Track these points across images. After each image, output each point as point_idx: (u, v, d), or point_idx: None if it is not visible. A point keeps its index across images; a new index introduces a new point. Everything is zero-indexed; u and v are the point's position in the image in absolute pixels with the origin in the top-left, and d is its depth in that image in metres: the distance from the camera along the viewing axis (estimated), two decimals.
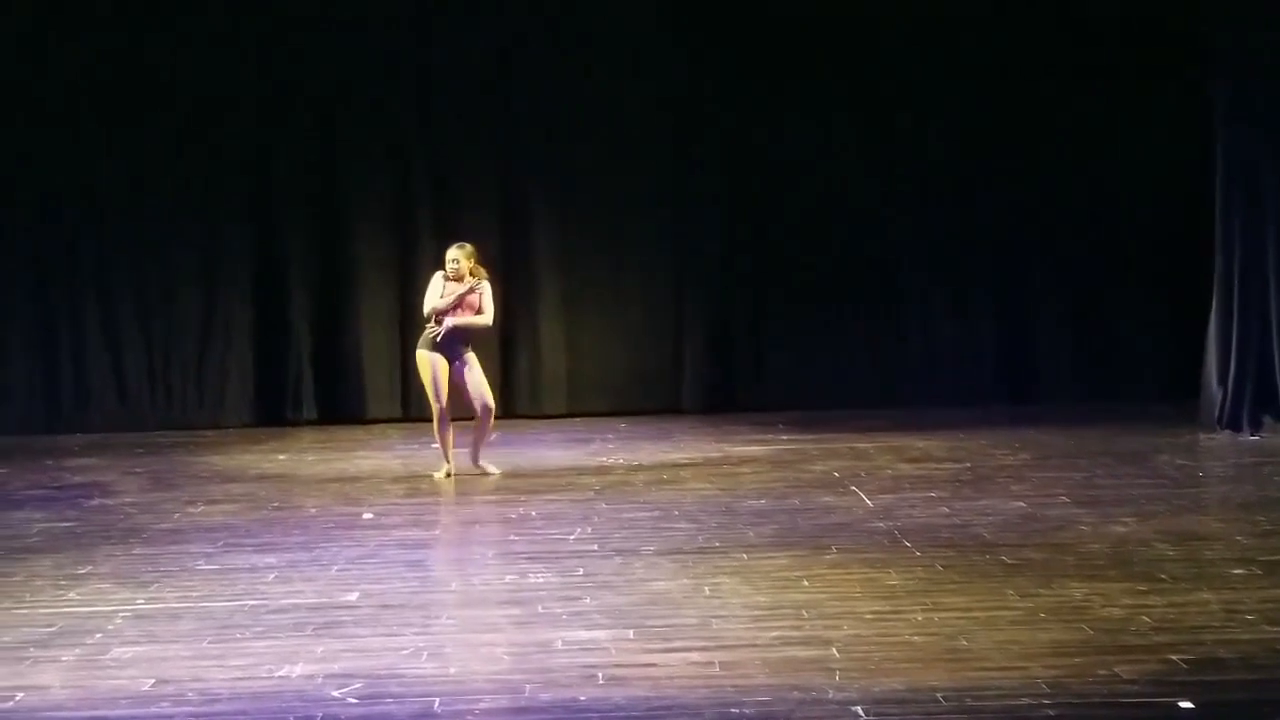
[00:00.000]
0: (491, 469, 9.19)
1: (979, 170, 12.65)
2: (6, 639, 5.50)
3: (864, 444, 10.27)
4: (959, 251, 12.70)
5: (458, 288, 9.00)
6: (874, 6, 12.52)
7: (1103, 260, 12.67)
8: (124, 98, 12.32)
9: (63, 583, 6.42)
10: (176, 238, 12.49)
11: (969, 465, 9.21)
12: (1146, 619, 5.38)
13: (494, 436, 9.54)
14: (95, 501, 8.70)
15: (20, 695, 4.81)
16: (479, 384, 9.05)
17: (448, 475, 9.02)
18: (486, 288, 9.08)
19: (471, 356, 9.08)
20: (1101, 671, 4.75)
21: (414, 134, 12.68)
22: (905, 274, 12.75)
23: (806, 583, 6.07)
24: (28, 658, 5.24)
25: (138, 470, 10.01)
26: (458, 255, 9.07)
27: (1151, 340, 12.59)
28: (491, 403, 9.10)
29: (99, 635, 5.51)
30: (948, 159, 12.64)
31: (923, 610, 5.55)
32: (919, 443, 10.24)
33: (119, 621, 5.72)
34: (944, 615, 5.48)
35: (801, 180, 12.61)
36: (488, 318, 9.11)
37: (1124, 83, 12.48)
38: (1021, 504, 7.78)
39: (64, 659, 5.22)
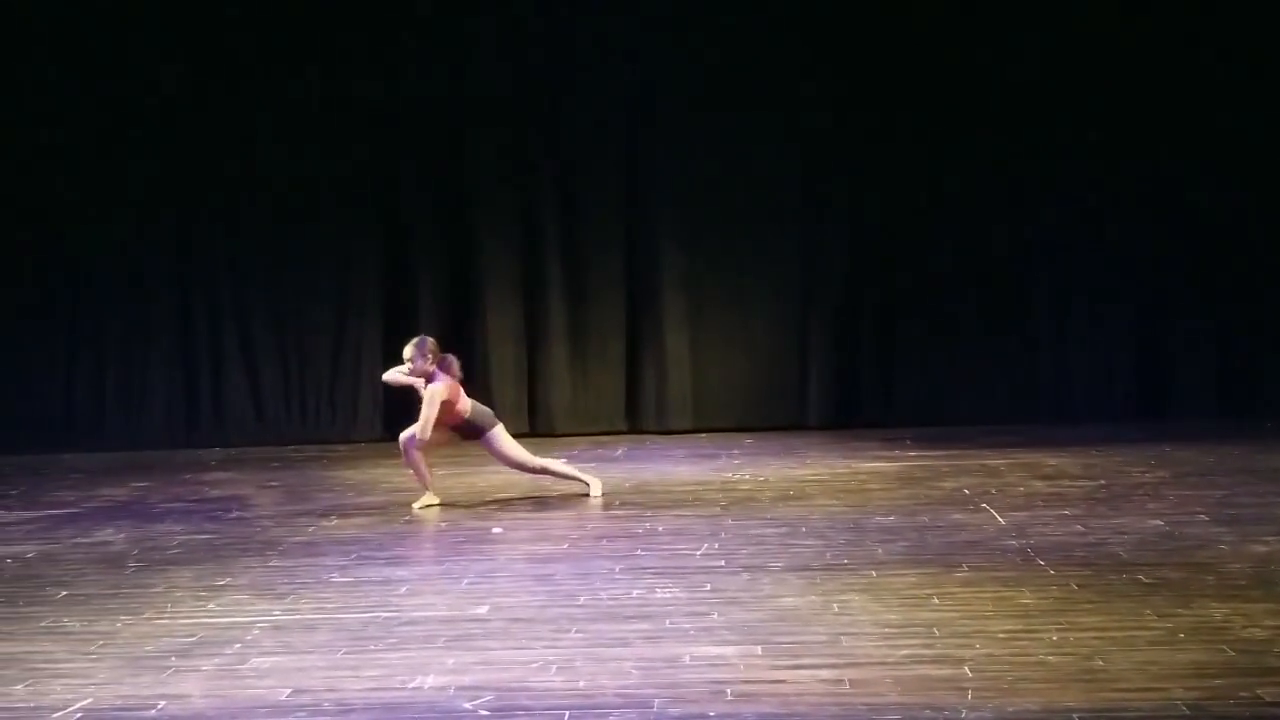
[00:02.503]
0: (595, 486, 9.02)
1: (1114, 185, 12.45)
2: (149, 648, 5.64)
3: (995, 460, 10.13)
4: (1093, 265, 12.50)
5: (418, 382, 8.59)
6: (1004, 31, 12.38)
7: (1242, 274, 12.38)
8: (260, 125, 12.62)
9: (202, 594, 6.58)
10: (310, 260, 12.78)
11: (1103, 483, 9.03)
12: None
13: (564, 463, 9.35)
14: (233, 514, 8.91)
15: (163, 704, 4.92)
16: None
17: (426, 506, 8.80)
18: (430, 394, 8.47)
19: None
20: (1244, 694, 4.63)
21: (542, 153, 12.81)
22: (1039, 287, 12.58)
23: (937, 600, 5.99)
24: (169, 667, 5.37)
25: (273, 484, 10.22)
26: (412, 354, 8.53)
27: None
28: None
29: (238, 645, 5.63)
30: (1081, 174, 12.46)
31: (1058, 630, 5.45)
32: (1051, 459, 10.07)
33: (257, 632, 5.83)
34: (1080, 635, 5.37)
35: (931, 193, 12.52)
36: (416, 427, 8.51)
37: (1266, 98, 12.20)
38: (1159, 522, 7.61)
39: (204, 668, 5.33)
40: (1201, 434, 11.02)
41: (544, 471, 9.01)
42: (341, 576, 6.87)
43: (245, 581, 6.82)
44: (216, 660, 5.43)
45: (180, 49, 12.63)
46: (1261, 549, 6.83)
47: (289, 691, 5.00)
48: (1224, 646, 5.17)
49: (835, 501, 8.66)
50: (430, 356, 8.53)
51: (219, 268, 12.79)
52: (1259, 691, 4.64)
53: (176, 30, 12.64)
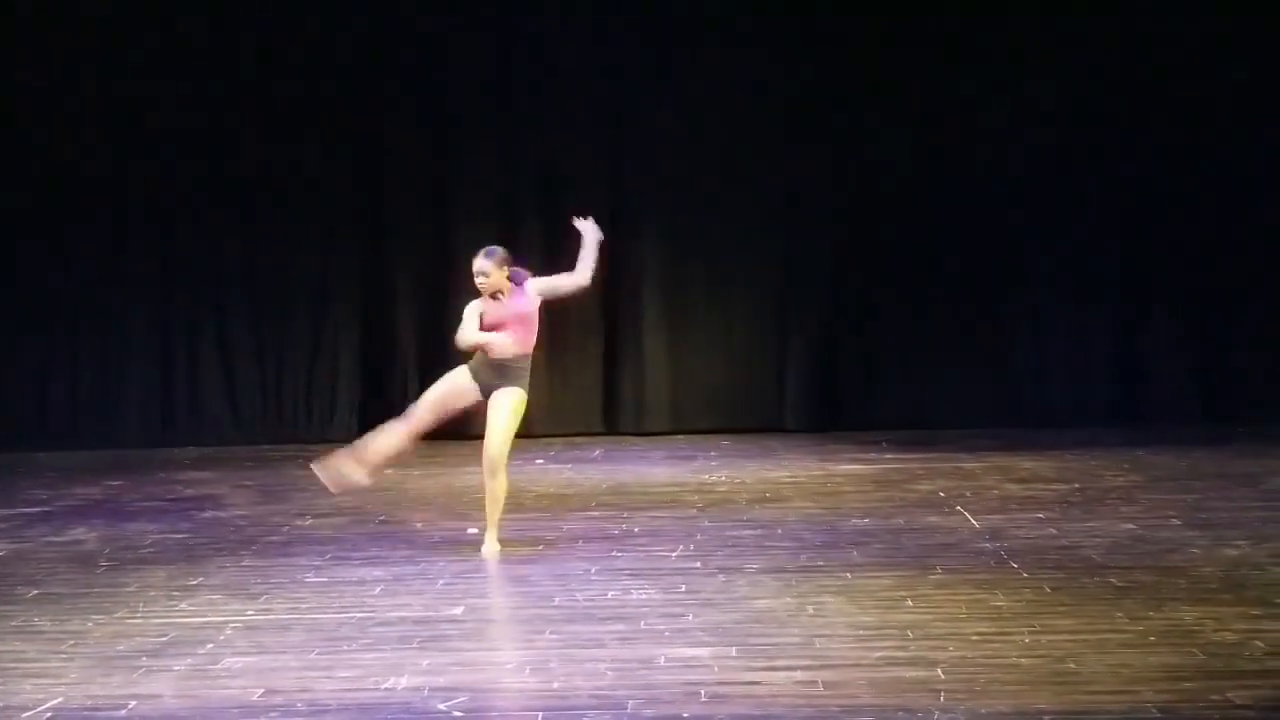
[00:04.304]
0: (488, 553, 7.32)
1: (1092, 185, 12.49)
2: (120, 648, 5.62)
3: (970, 464, 10.16)
4: (1070, 269, 12.54)
5: (502, 306, 7.32)
6: (984, 35, 12.43)
7: (1219, 278, 12.43)
8: (238, 124, 12.58)
9: (175, 593, 6.55)
10: (286, 259, 12.73)
11: (1078, 486, 9.07)
12: (1260, 644, 5.25)
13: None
14: (207, 514, 8.88)
15: (133, 704, 4.90)
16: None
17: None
18: (535, 282, 7.41)
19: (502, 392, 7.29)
20: (1214, 697, 4.65)
21: (522, 154, 12.80)
22: (1015, 291, 12.62)
23: (911, 603, 6.01)
24: (140, 667, 5.35)
25: (248, 483, 10.19)
26: (486, 266, 7.27)
27: (1268, 360, 12.33)
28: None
29: (210, 645, 5.61)
30: (1061, 175, 12.50)
31: (1030, 632, 5.48)
32: (1026, 463, 10.11)
33: (229, 632, 5.81)
34: (1052, 637, 5.40)
35: (910, 197, 12.54)
36: (579, 276, 7.39)
37: (1247, 101, 12.28)
38: (1132, 526, 7.64)
39: (176, 668, 5.31)
40: (1175, 439, 11.07)
41: (492, 473, 7.32)
42: (316, 576, 6.85)
43: (218, 581, 6.80)
44: (189, 660, 5.41)
45: (162, 47, 12.57)
46: (1233, 553, 6.87)
47: (261, 692, 4.99)
48: (1195, 650, 5.20)
49: (811, 504, 8.68)
50: (506, 268, 7.35)
51: (195, 266, 12.74)
52: (1229, 694, 4.67)
53: (158, 29, 12.58)
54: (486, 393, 7.31)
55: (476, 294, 7.42)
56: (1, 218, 12.66)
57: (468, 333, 7.31)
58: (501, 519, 7.40)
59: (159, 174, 12.64)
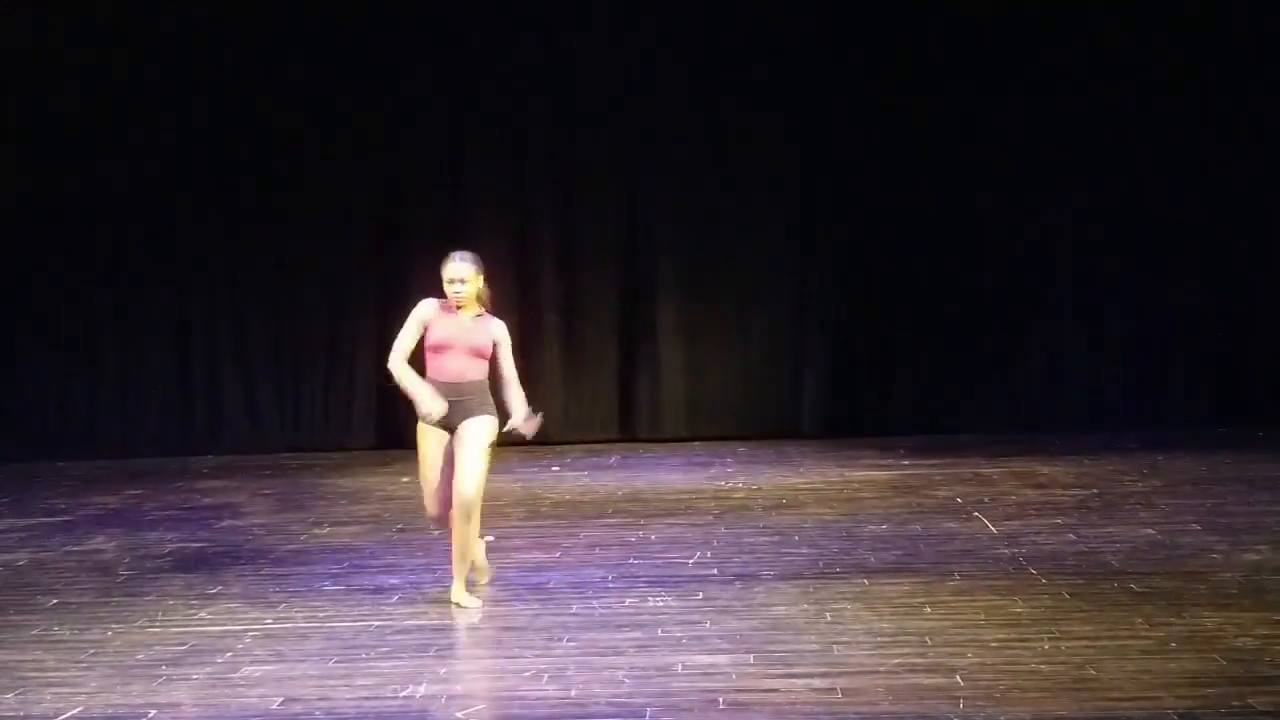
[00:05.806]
0: (468, 602, 6.29)
1: (1107, 191, 12.46)
2: (140, 657, 5.64)
3: (988, 469, 10.13)
4: (1086, 273, 12.51)
5: (459, 324, 6.27)
6: (992, 42, 12.42)
7: (1236, 283, 12.38)
8: (255, 131, 12.60)
9: (194, 602, 6.57)
10: (304, 266, 12.74)
11: (1096, 491, 9.04)
12: None
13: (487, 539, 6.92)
14: (225, 522, 8.89)
15: (153, 712, 4.92)
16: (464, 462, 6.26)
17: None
18: (501, 330, 6.38)
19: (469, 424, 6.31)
20: (1235, 703, 4.64)
21: (539, 161, 12.80)
22: (1032, 296, 12.58)
23: (929, 609, 6.00)
24: (160, 675, 5.36)
25: (266, 492, 10.21)
26: (464, 271, 6.21)
27: None
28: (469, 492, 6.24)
29: (229, 654, 5.63)
30: (1075, 180, 12.47)
31: (1049, 639, 5.46)
32: (1044, 468, 10.08)
33: (248, 640, 5.83)
34: (1071, 644, 5.38)
35: (926, 202, 12.51)
36: (511, 374, 6.39)
37: (1256, 103, 12.25)
38: (1151, 531, 7.62)
39: (195, 677, 5.33)
40: (1194, 443, 11.03)
41: (466, 517, 6.30)
42: (333, 585, 6.87)
43: (237, 590, 6.82)
44: (208, 669, 5.42)
45: (172, 56, 12.61)
46: (1253, 558, 6.84)
47: (280, 700, 5.00)
48: (1216, 655, 5.18)
49: (828, 510, 8.67)
50: (481, 279, 6.32)
51: (212, 273, 12.77)
52: (1250, 700, 4.65)
53: (177, 40, 12.62)
54: (451, 428, 6.31)
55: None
56: (22, 227, 12.69)
57: (397, 357, 6.28)
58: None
59: (176, 183, 12.65)
